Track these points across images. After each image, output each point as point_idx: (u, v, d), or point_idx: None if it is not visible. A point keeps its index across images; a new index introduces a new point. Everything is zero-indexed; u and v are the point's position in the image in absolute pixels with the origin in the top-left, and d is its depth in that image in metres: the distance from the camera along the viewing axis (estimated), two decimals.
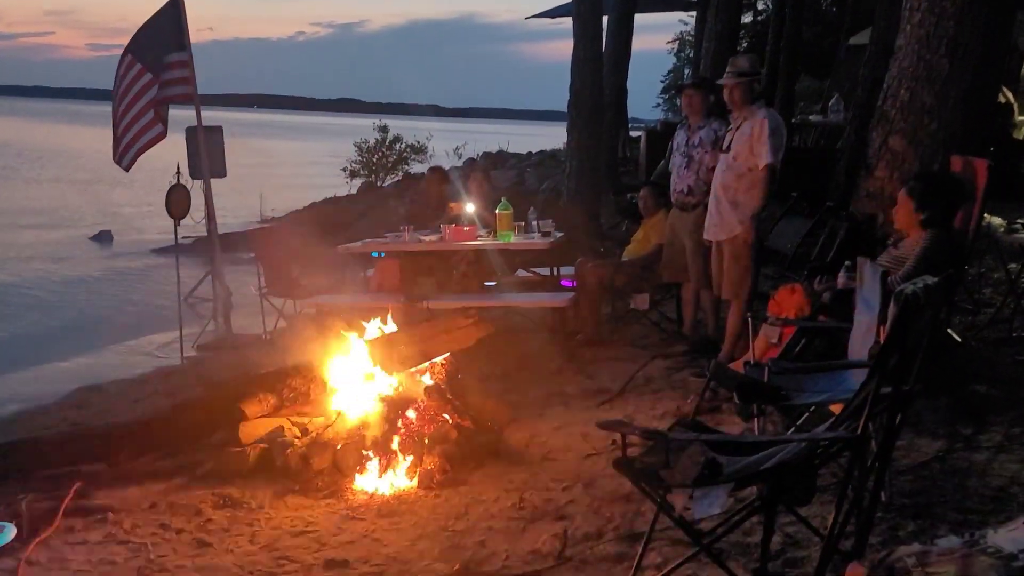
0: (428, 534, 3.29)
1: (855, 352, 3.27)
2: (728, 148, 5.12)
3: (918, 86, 5.55)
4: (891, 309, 2.32)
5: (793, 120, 12.75)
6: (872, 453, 2.53)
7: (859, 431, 2.32)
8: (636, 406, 4.76)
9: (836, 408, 3.02)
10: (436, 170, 7.73)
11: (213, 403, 4.22)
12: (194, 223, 7.70)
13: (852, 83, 11.23)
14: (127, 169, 7.01)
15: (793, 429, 3.48)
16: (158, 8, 6.96)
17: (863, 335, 3.21)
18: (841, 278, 4.11)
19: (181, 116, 7.37)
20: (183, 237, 8.41)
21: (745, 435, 3.72)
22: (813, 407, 3.34)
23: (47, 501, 3.58)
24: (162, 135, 6.88)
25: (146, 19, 7.00)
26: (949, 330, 4.09)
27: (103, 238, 15.50)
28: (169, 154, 7.40)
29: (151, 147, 6.89)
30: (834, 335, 3.84)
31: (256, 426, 4.08)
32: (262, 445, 4.00)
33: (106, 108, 7.17)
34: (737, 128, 5.09)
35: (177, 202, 7.36)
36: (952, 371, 4.04)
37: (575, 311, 6.32)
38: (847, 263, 4.19)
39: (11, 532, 3.09)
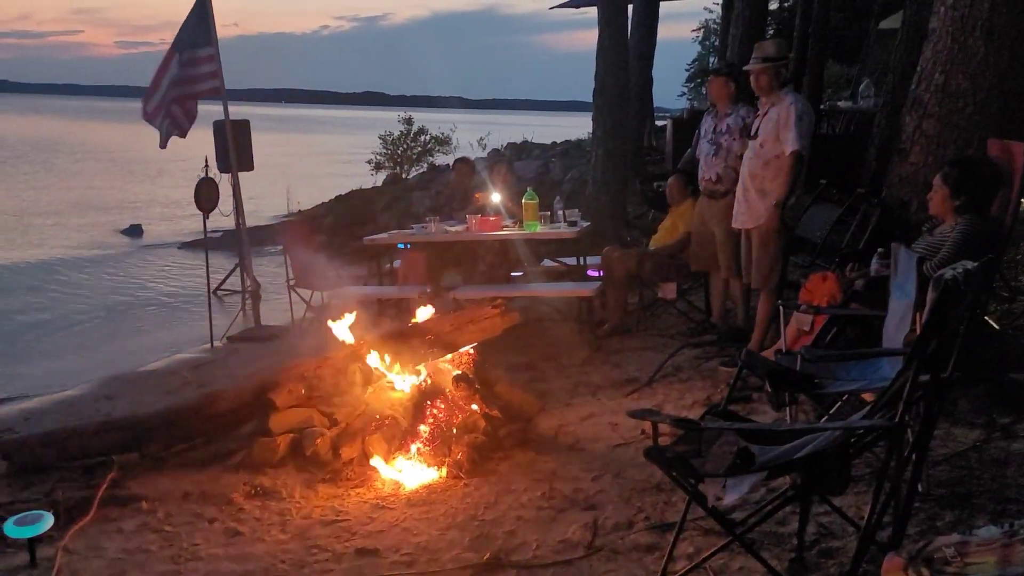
0: (458, 524, 3.29)
1: (889, 340, 3.22)
2: (756, 135, 5.06)
3: (953, 69, 5.44)
4: (930, 294, 2.27)
5: (822, 107, 12.58)
6: (909, 442, 2.49)
7: (897, 419, 2.27)
8: (665, 396, 4.73)
9: (869, 396, 2.98)
10: (464, 161, 7.74)
11: (243, 394, 4.24)
12: (223, 216, 7.78)
13: (883, 68, 11.05)
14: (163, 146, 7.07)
15: (826, 418, 3.44)
16: (185, 4, 7.03)
17: (898, 322, 3.16)
18: (874, 265, 4.04)
19: (209, 110, 7.44)
20: (212, 230, 8.49)
21: (778, 424, 3.68)
22: (846, 395, 3.30)
23: (82, 490, 3.64)
24: (183, 133, 6.99)
25: (176, 15, 7.11)
26: (986, 317, 4.01)
27: (134, 231, 15.72)
28: (197, 148, 7.47)
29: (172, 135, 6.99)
30: (867, 323, 3.78)
31: (286, 416, 4.10)
32: (292, 435, 4.02)
33: (136, 104, 7.24)
34: (764, 114, 5.03)
35: (206, 195, 7.44)
36: (989, 359, 3.96)
37: (602, 301, 6.29)
38: (880, 250, 4.12)
39: (49, 521, 3.14)
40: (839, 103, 13.25)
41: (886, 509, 2.43)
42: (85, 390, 6.07)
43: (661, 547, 2.87)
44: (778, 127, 4.88)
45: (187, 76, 6.88)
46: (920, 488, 2.98)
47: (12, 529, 3.09)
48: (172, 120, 6.88)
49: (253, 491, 3.65)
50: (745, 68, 5.15)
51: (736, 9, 11.87)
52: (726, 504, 2.49)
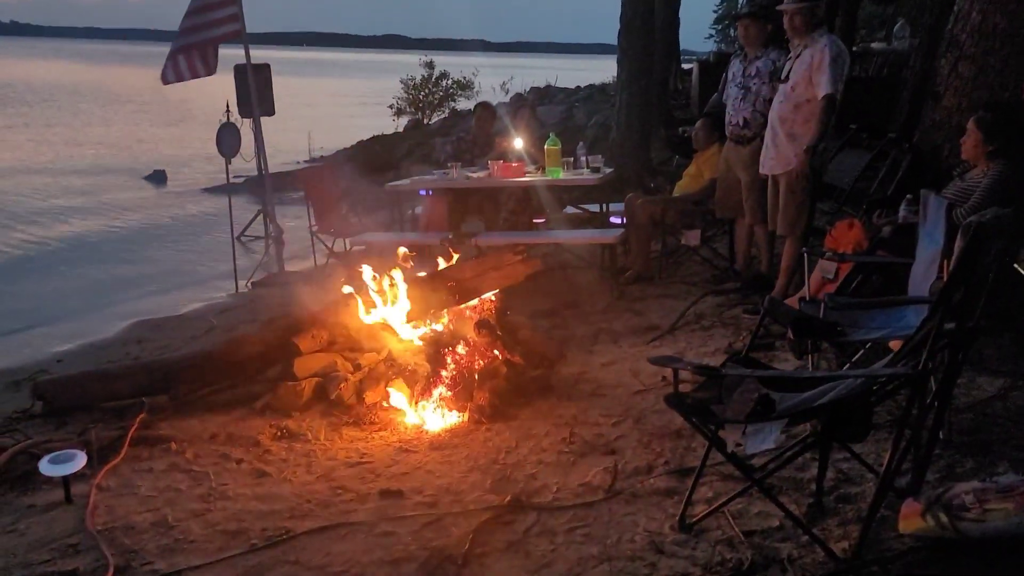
0: (479, 467, 3.34)
1: (916, 288, 3.18)
2: (787, 78, 4.93)
3: (990, 8, 5.26)
4: (958, 241, 2.23)
5: (854, 48, 12.23)
6: (932, 390, 2.47)
7: (920, 367, 2.26)
8: (687, 343, 4.72)
9: (894, 345, 2.96)
10: (485, 106, 7.65)
11: (268, 338, 4.30)
12: (245, 161, 7.79)
13: (919, 8, 10.69)
14: (165, 83, 6.94)
15: (848, 366, 3.43)
16: None
17: (925, 270, 3.12)
18: (902, 212, 3.98)
19: (230, 55, 7.38)
20: (234, 176, 8.51)
21: (800, 371, 3.67)
22: (869, 343, 3.28)
23: (113, 431, 3.73)
24: (209, 72, 6.88)
25: None
26: (1016, 265, 3.94)
27: (157, 177, 15.78)
28: (218, 93, 7.45)
29: (192, 79, 6.89)
30: (893, 271, 3.74)
31: (310, 361, 4.15)
32: (317, 379, 4.09)
33: (157, 49, 7.18)
34: (797, 56, 4.89)
35: (228, 141, 7.43)
36: (1018, 307, 3.91)
37: (624, 248, 6.26)
38: (908, 196, 4.05)
39: (82, 459, 3.23)
40: (872, 45, 12.87)
41: (906, 456, 2.43)
42: (115, 334, 6.19)
43: (680, 491, 2.90)
44: (811, 70, 4.76)
45: (203, 21, 6.78)
46: (942, 436, 2.97)
47: (47, 467, 3.19)
48: (189, 63, 6.77)
49: (279, 433, 3.72)
50: (779, 8, 5.00)
51: None
52: (748, 453, 2.51)
